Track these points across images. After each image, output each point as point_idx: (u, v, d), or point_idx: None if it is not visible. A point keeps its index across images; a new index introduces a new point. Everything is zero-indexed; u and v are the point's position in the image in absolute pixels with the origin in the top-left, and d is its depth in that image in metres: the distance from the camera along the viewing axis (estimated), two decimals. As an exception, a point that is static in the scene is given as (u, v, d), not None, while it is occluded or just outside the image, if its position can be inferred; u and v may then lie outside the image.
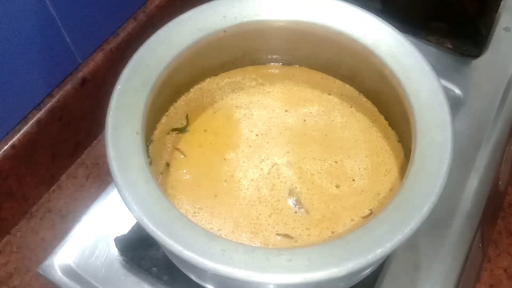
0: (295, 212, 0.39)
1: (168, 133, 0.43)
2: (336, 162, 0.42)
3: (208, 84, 0.46)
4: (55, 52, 0.49)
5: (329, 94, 0.46)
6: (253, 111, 0.45)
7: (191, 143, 0.43)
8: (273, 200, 0.40)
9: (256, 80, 0.47)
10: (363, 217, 0.39)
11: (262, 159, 0.42)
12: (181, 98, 0.45)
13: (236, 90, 0.46)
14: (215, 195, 0.40)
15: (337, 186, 0.41)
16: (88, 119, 0.56)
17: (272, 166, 0.42)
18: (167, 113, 0.44)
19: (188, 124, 0.44)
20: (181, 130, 0.43)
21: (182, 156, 0.42)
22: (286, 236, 0.38)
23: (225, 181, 0.41)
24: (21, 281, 0.50)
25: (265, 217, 0.39)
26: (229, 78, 0.47)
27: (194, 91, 0.46)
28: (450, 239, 0.47)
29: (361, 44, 0.41)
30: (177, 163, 0.42)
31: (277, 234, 0.38)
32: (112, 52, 0.55)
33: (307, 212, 0.39)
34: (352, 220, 0.39)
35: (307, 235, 0.38)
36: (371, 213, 0.39)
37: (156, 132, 0.43)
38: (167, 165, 0.42)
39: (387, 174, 0.41)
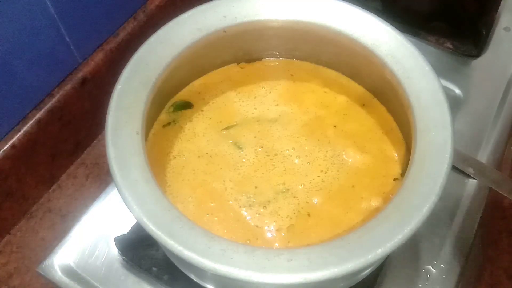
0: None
1: (164, 126, 0.43)
2: (331, 156, 0.42)
3: (208, 83, 0.47)
4: (55, 52, 0.49)
5: (328, 93, 0.46)
6: (254, 109, 0.45)
7: (193, 140, 0.43)
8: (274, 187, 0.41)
9: (256, 80, 0.47)
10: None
11: (267, 152, 0.42)
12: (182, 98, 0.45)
13: (236, 89, 0.46)
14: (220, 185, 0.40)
15: (327, 176, 0.41)
16: (88, 119, 0.56)
17: (275, 155, 0.42)
18: (167, 111, 0.44)
19: (192, 104, 0.44)
20: (186, 107, 0.44)
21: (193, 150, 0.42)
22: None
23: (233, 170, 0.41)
24: (21, 281, 0.50)
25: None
26: (228, 77, 0.47)
27: (195, 90, 0.46)
28: (450, 239, 0.47)
29: (361, 44, 0.41)
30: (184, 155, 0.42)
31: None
32: (112, 52, 0.55)
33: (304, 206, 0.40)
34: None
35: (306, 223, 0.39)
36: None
37: (155, 128, 0.43)
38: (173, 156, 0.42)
39: (375, 170, 0.42)
